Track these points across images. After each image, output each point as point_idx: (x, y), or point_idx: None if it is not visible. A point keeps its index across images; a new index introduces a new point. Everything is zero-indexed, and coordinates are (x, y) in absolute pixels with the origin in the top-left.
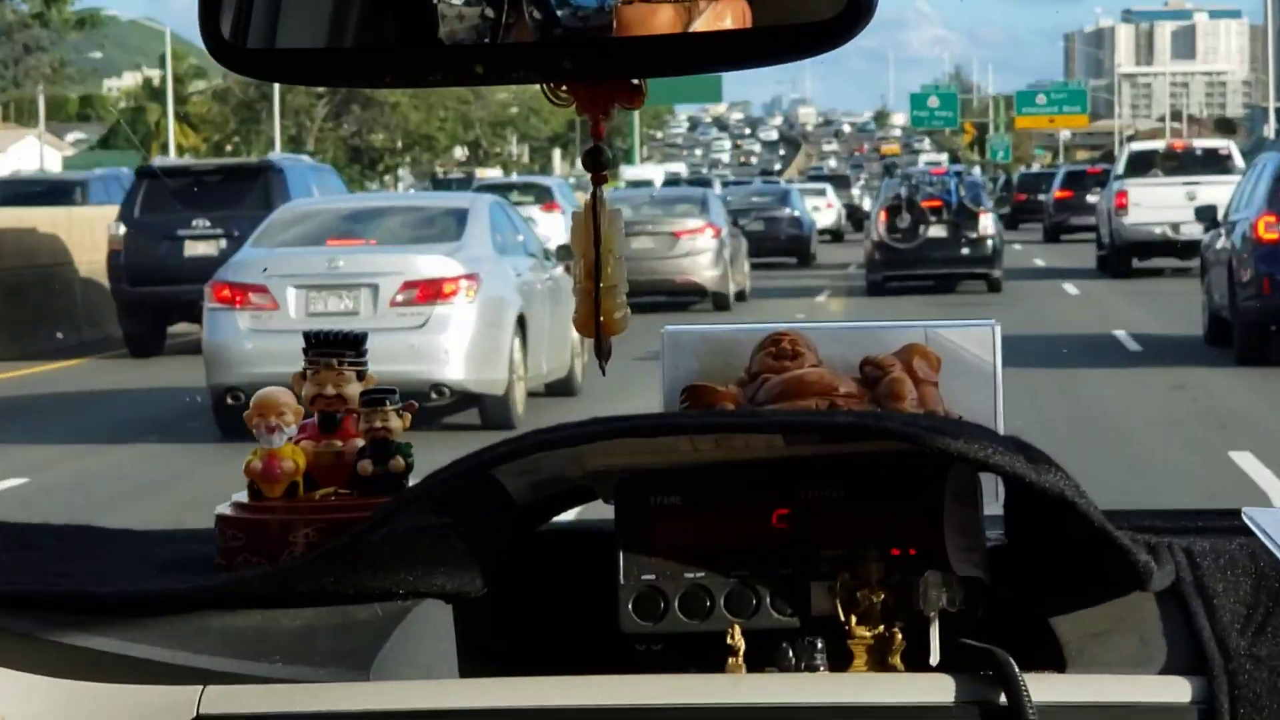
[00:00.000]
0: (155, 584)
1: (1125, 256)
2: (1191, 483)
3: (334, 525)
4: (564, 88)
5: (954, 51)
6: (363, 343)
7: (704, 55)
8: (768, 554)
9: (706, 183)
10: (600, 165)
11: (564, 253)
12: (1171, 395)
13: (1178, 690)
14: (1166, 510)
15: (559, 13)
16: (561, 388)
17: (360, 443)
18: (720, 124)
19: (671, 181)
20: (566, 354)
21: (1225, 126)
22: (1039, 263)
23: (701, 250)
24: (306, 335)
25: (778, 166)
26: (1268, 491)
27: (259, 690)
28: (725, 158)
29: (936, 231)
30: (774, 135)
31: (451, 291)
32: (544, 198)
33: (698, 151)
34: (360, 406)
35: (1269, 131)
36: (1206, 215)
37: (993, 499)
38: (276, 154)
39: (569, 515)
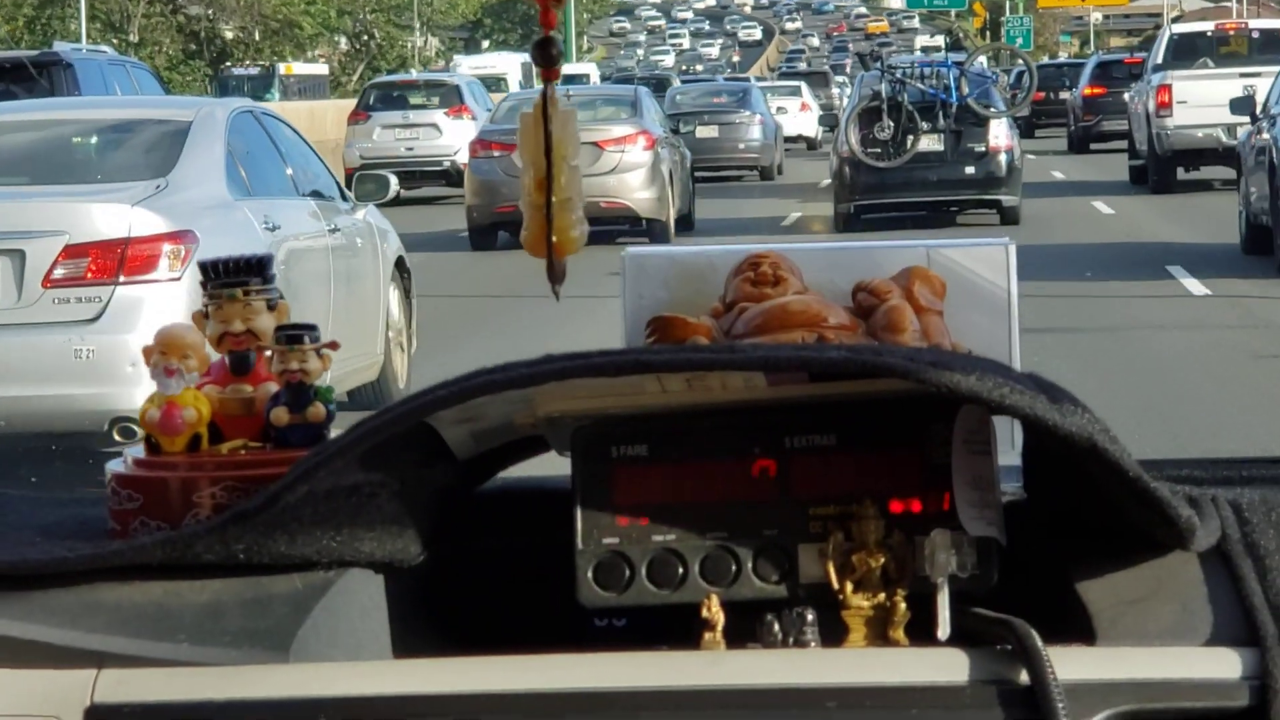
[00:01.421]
0: (37, 552)
1: (1169, 165)
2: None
3: (245, 483)
4: None
5: None
6: (268, 266)
7: None
8: (749, 512)
9: (665, 82)
10: (551, 59)
11: (371, 187)
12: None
13: (1226, 664)
14: (1208, 459)
15: None
16: (370, 398)
17: (274, 387)
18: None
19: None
20: (374, 344)
21: None
22: (1060, 176)
23: (632, 165)
24: (203, 266)
25: (724, 75)
26: None
27: (161, 674)
28: (669, 60)
29: (929, 144)
30: (757, 34)
31: (145, 261)
32: (450, 100)
33: (639, 51)
34: (275, 344)
35: None
36: (1244, 107)
37: (1008, 446)
38: (66, 44)
39: (517, 470)
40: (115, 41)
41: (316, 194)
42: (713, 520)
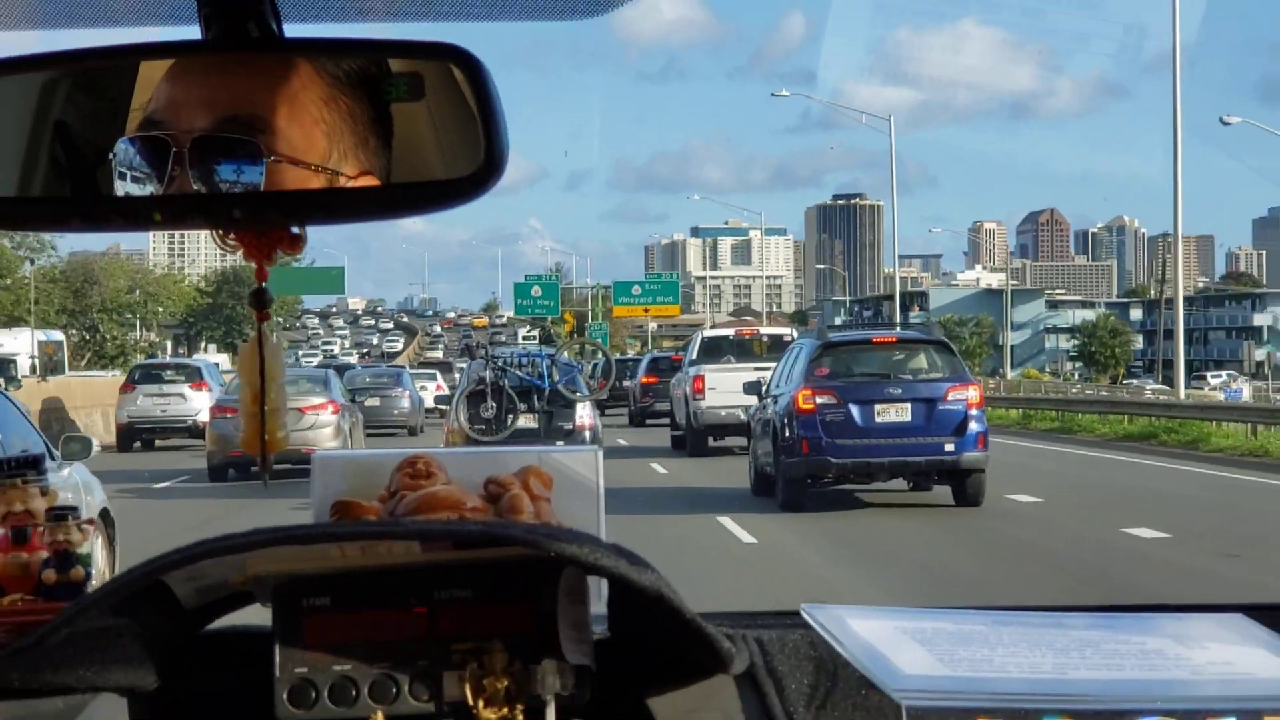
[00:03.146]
0: None
1: (703, 437)
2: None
3: (21, 627)
4: (232, 236)
5: (560, 257)
6: (42, 462)
7: (357, 206)
8: (406, 648)
9: (344, 368)
10: (264, 304)
11: (77, 448)
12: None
13: None
14: (737, 612)
15: (218, 167)
16: None
17: (45, 554)
18: (349, 317)
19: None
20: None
21: (800, 318)
22: (623, 442)
23: (324, 424)
24: None
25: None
26: None
27: None
28: (316, 360)
29: (527, 422)
30: (399, 345)
31: None
32: (194, 377)
33: (329, 342)
34: (45, 521)
35: (838, 322)
36: (754, 389)
37: (598, 598)
38: None
39: (232, 618)
40: None
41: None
42: (379, 654)
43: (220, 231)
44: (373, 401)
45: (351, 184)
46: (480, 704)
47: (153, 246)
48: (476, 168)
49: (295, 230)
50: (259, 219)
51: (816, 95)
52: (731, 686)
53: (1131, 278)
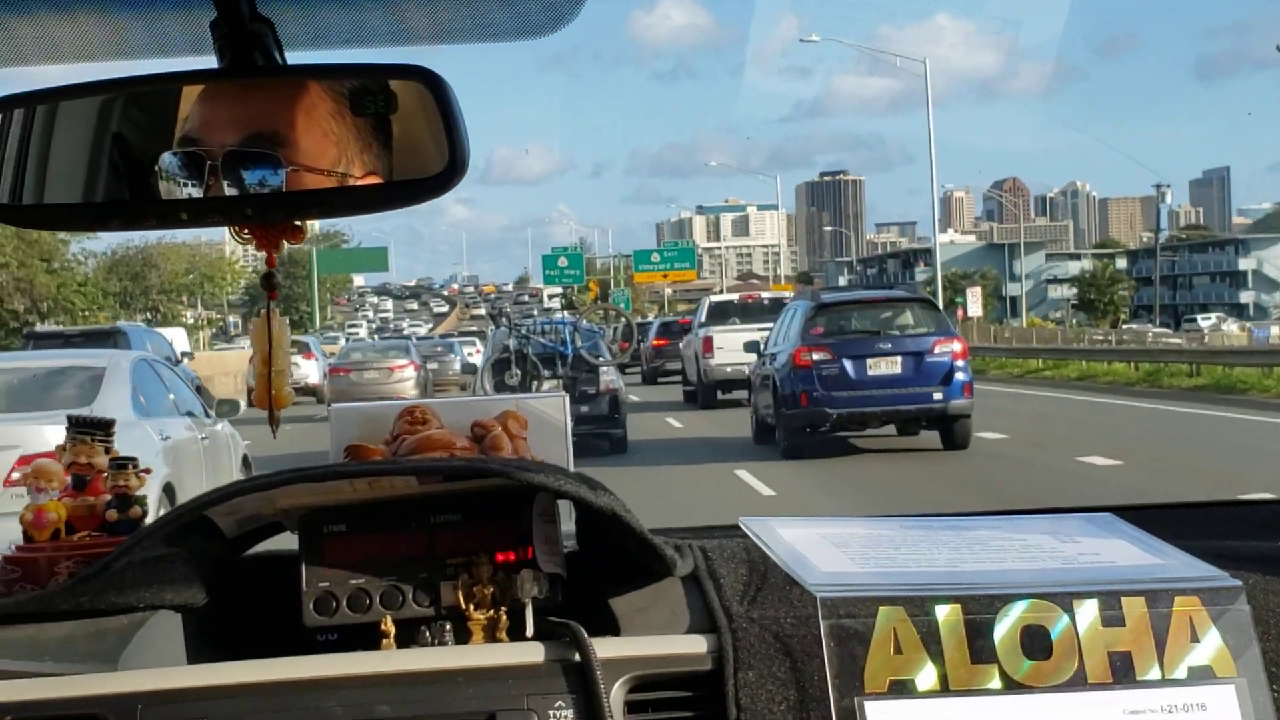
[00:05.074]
0: None
1: (712, 391)
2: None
3: (88, 559)
4: (246, 230)
5: (584, 234)
6: (111, 426)
7: (345, 203)
8: (410, 564)
9: (408, 338)
10: (272, 286)
11: (227, 408)
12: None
13: (697, 645)
14: (689, 528)
15: (245, 175)
16: None
17: (108, 497)
18: (388, 292)
19: None
20: None
21: (806, 279)
22: (635, 398)
23: (408, 379)
24: (69, 418)
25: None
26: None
27: (34, 682)
28: (361, 331)
29: (551, 389)
30: (445, 308)
31: None
32: (304, 349)
33: (355, 324)
34: (109, 469)
35: (842, 282)
36: (753, 347)
37: (568, 517)
38: (125, 323)
39: (266, 544)
40: None
41: (190, 413)
42: (387, 569)
43: (236, 227)
44: (433, 365)
45: (356, 184)
46: (471, 607)
47: (228, 238)
48: (443, 168)
49: (296, 224)
50: (267, 215)
51: (848, 40)
52: (679, 586)
53: (1085, 236)
